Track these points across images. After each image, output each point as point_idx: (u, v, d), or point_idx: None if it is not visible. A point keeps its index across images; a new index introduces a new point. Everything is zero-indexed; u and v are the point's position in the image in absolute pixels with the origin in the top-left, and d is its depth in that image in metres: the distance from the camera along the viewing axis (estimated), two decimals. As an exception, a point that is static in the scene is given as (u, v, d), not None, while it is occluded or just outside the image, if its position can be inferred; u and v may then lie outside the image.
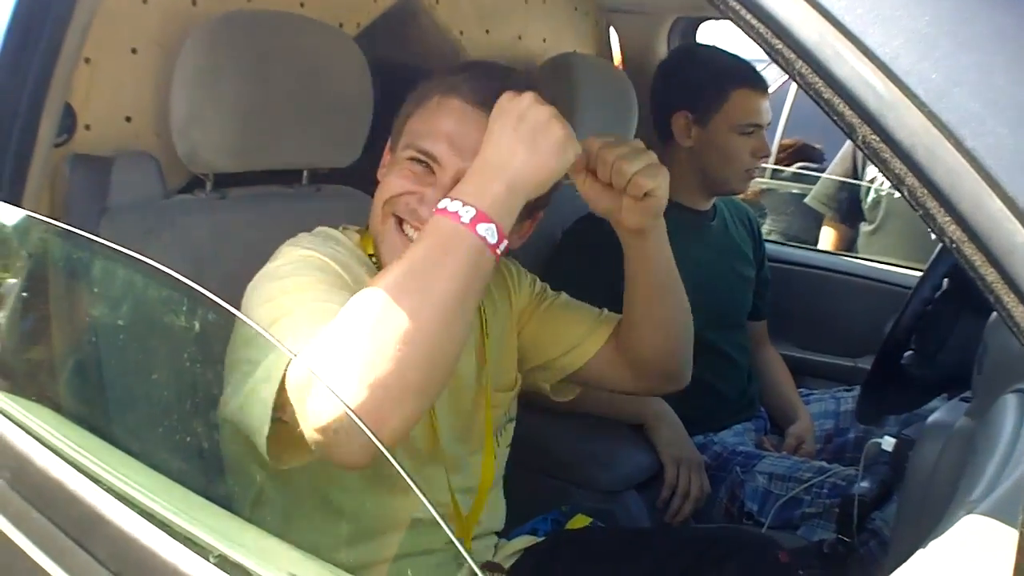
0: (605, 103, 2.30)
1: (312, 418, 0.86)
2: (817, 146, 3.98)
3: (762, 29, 0.56)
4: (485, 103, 1.13)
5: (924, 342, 1.56)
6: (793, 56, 0.55)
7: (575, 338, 1.43)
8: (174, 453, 0.96)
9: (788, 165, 3.97)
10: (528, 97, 1.03)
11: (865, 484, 1.45)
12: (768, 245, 2.38)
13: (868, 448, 1.44)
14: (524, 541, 1.46)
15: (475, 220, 0.94)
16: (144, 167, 1.51)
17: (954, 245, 0.51)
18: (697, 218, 2.05)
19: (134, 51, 1.55)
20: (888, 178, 0.54)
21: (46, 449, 0.96)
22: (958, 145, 0.51)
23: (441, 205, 0.97)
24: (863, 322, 2.30)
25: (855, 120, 0.54)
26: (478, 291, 0.97)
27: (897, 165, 0.52)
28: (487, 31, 2.27)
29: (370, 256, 1.23)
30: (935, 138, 0.51)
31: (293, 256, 1.12)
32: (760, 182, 3.99)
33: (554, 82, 2.18)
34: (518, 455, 1.45)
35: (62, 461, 0.94)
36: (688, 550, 1.41)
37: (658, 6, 2.57)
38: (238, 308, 1.12)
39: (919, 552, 0.63)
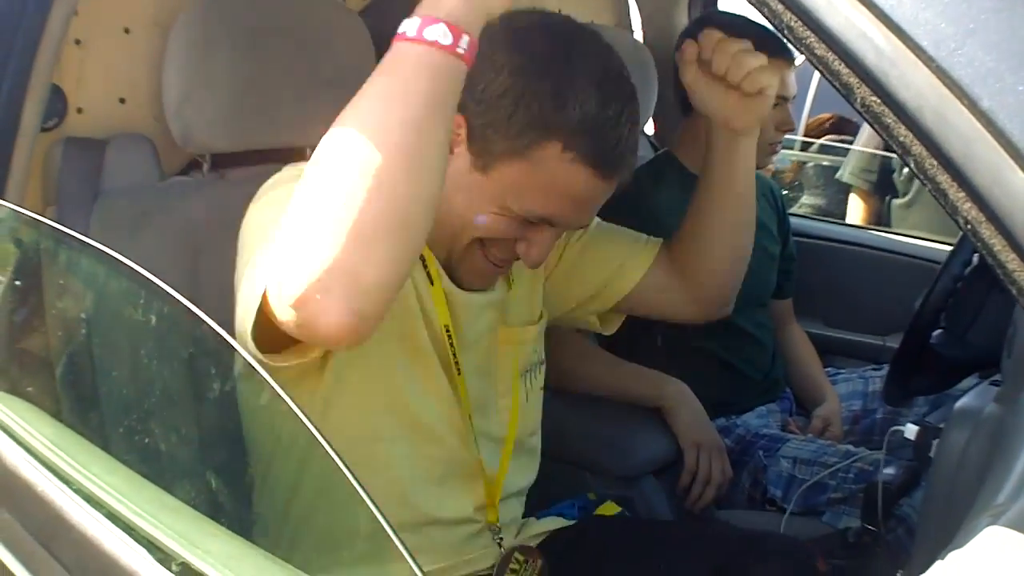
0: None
1: (286, 296, 0.78)
2: (854, 119, 3.89)
3: (746, -23, 0.49)
4: (612, 177, 1.10)
5: (954, 321, 1.49)
6: (781, 7, 0.48)
7: (616, 264, 1.38)
8: (149, 452, 0.92)
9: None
10: None
11: (890, 471, 1.39)
12: (793, 219, 2.30)
13: (890, 435, 1.37)
14: (553, 522, 1.41)
15: (421, 27, 0.82)
16: (139, 149, 1.47)
17: (969, 227, 0.44)
18: (718, 193, 1.98)
19: (127, 31, 1.50)
20: (892, 146, 0.46)
21: (18, 446, 0.92)
22: (972, 106, 0.43)
23: (400, 29, 0.84)
24: (892, 298, 2.22)
25: (852, 79, 0.46)
26: (447, 103, 0.84)
27: (901, 131, 0.45)
28: (499, 2, 2.19)
29: None
30: (945, 99, 0.43)
31: (293, 173, 1.06)
32: (790, 154, 3.93)
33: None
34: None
35: (33, 460, 0.90)
36: (721, 550, 1.35)
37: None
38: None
39: (937, 564, 0.57)
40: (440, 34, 0.81)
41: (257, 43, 1.42)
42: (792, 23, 0.47)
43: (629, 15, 2.63)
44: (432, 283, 1.18)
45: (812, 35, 0.47)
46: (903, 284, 2.17)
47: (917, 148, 0.45)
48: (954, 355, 1.48)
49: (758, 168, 2.04)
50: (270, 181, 1.10)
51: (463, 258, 1.15)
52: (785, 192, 3.58)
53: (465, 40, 0.83)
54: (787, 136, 2.02)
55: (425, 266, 1.18)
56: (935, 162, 0.44)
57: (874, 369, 2.16)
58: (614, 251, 1.38)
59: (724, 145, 1.26)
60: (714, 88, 1.20)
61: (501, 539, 1.29)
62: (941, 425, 1.18)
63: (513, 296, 1.31)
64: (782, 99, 1.87)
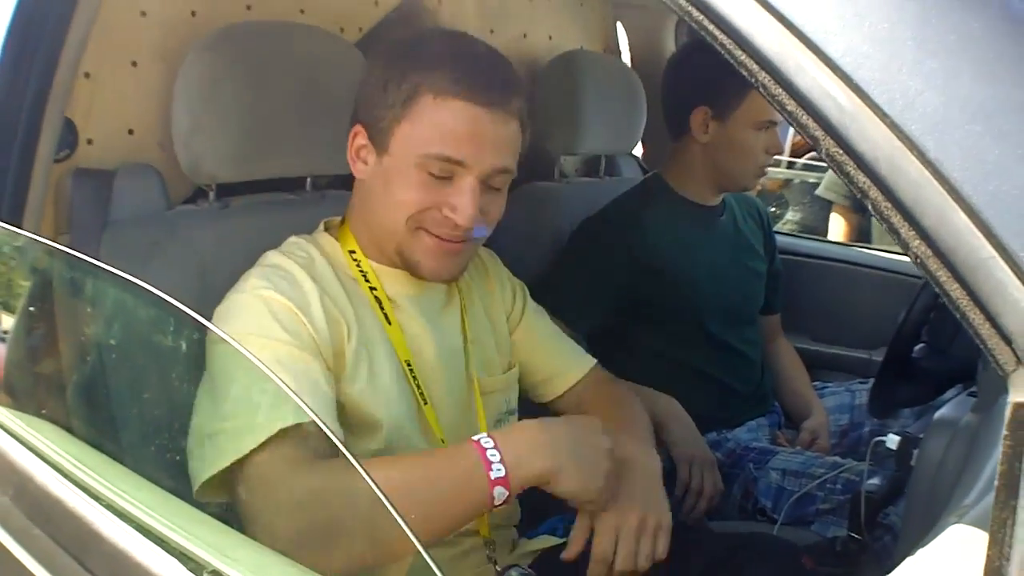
0: (613, 100, 2.29)
1: (265, 514, 0.95)
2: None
3: (724, 40, 0.55)
4: (491, 104, 1.14)
5: (935, 335, 1.54)
6: (756, 67, 0.54)
7: (548, 371, 1.48)
8: (172, 468, 0.96)
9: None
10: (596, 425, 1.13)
11: (874, 481, 1.43)
12: (780, 237, 2.35)
13: (874, 446, 1.42)
14: (544, 541, 1.45)
15: (498, 482, 1.01)
16: (146, 179, 1.51)
17: (919, 260, 0.50)
18: (706, 214, 2.03)
19: (134, 64, 1.55)
20: (853, 190, 0.53)
21: (47, 466, 0.97)
22: (921, 156, 0.49)
23: (486, 442, 1.03)
24: (878, 313, 2.27)
25: (818, 132, 0.52)
26: (462, 524, 1.08)
27: (861, 178, 0.51)
28: (491, 30, 2.26)
29: (351, 252, 1.26)
30: (898, 149, 0.50)
31: (251, 299, 1.15)
32: (776, 172, 3.98)
33: (560, 80, 2.17)
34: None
35: (62, 478, 0.94)
36: (711, 552, 1.40)
37: (665, -1, 2.54)
38: None
39: (907, 560, 0.63)
40: (499, 495, 1.02)
41: (261, 78, 1.47)
42: (766, 82, 0.54)
43: (618, 40, 2.69)
44: (389, 323, 1.25)
45: (783, 92, 0.54)
46: (888, 299, 2.22)
47: (874, 192, 0.51)
48: (936, 367, 1.53)
49: (747, 191, 2.11)
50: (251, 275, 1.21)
51: (413, 247, 1.22)
52: (772, 209, 3.64)
53: (502, 505, 1.04)
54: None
55: (382, 307, 1.25)
56: (889, 204, 0.51)
57: (861, 383, 2.21)
58: (551, 360, 1.49)
59: None
60: None
61: (495, 558, 1.33)
62: (921, 435, 1.23)
63: (471, 346, 1.37)
64: (771, 123, 1.93)
